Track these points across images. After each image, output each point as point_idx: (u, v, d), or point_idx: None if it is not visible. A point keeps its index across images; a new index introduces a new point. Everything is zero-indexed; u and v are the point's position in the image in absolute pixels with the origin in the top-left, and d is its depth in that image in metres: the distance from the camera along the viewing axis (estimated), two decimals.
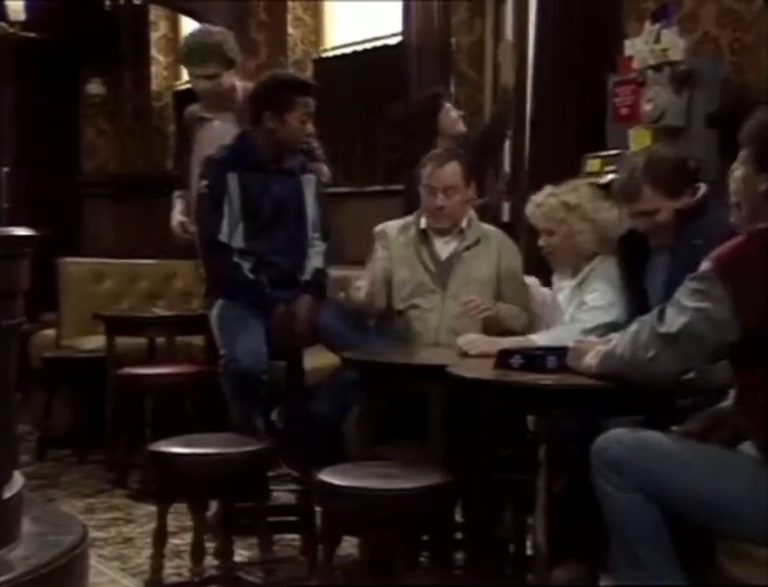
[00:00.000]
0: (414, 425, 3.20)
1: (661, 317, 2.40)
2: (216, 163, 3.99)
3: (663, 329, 2.37)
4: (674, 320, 2.36)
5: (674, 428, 2.63)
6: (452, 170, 3.63)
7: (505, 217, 5.03)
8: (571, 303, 3.43)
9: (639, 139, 4.11)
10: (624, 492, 2.39)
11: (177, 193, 4.79)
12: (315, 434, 3.70)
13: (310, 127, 3.98)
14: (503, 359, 2.92)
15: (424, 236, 3.71)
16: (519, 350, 2.93)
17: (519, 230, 4.40)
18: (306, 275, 3.97)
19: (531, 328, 3.54)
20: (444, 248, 3.70)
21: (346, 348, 3.55)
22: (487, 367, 2.93)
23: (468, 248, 3.67)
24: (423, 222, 3.72)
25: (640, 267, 3.22)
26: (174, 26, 8.03)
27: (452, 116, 4.73)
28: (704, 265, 2.33)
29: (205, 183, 3.98)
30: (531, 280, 3.74)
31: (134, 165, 8.35)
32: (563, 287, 3.51)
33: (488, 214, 4.36)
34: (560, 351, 2.84)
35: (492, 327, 3.46)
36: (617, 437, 2.46)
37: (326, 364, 4.08)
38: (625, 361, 2.47)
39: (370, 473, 2.86)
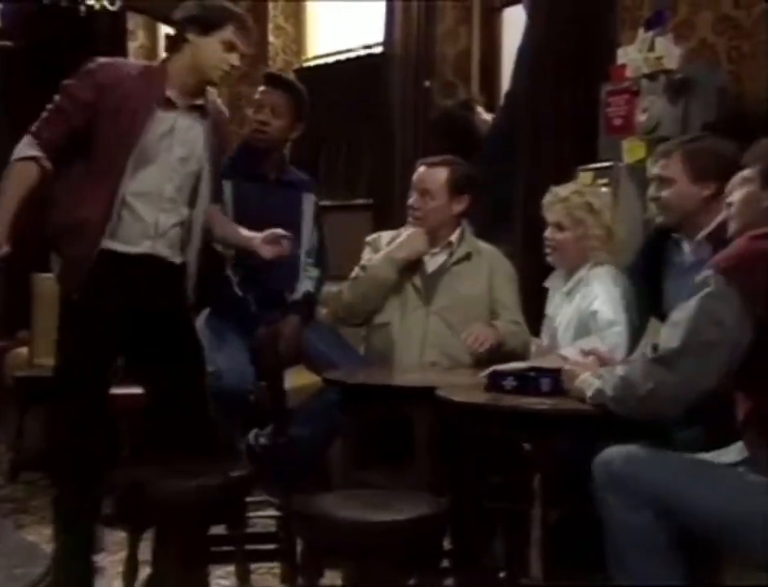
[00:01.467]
0: (401, 447, 3.07)
1: (655, 348, 2.28)
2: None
3: (659, 353, 2.24)
4: (672, 336, 2.22)
5: None
6: (438, 176, 3.51)
7: None
8: (560, 310, 3.31)
9: (633, 151, 3.99)
10: (632, 510, 2.26)
11: None
12: (296, 459, 3.52)
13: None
14: (495, 380, 2.80)
15: None
16: (512, 372, 2.79)
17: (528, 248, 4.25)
18: (297, 295, 3.81)
19: (527, 348, 3.37)
20: (432, 261, 3.56)
21: (328, 368, 3.42)
22: (478, 389, 2.81)
23: (457, 262, 3.53)
24: None
25: (657, 266, 3.11)
26: (153, 35, 7.90)
27: (485, 119, 4.61)
28: (704, 272, 2.23)
29: None
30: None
31: None
32: (554, 294, 3.40)
33: None
34: (555, 373, 2.72)
35: (491, 351, 3.30)
36: (623, 451, 2.34)
37: (307, 384, 3.93)
38: (619, 402, 2.34)
39: (352, 502, 2.70)
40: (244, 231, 3.38)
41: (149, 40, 7.96)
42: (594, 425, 2.57)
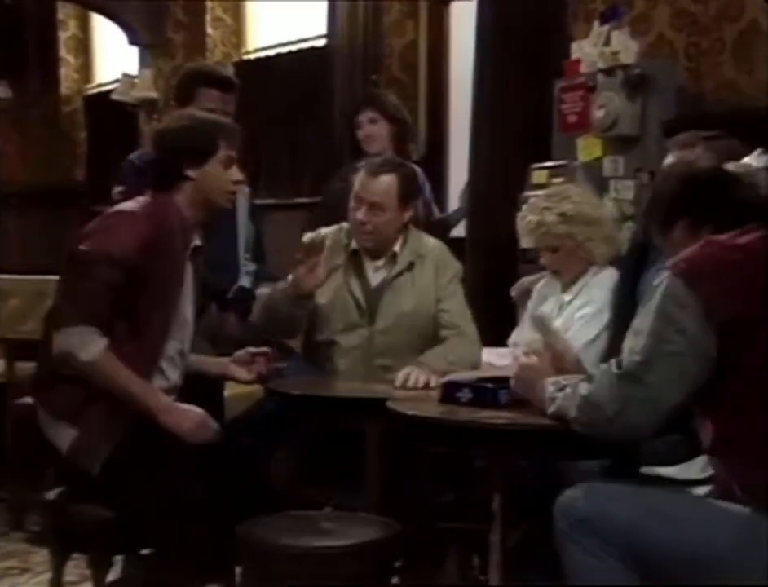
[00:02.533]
0: (351, 462, 2.88)
1: (619, 363, 2.11)
2: (134, 167, 3.60)
3: (623, 368, 2.09)
4: (635, 348, 2.07)
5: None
6: (387, 186, 3.20)
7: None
8: (559, 318, 3.12)
9: (589, 149, 3.90)
10: (596, 556, 2.09)
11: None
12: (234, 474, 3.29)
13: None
14: (449, 392, 2.61)
15: (354, 258, 3.30)
16: (467, 383, 2.61)
17: (472, 246, 4.17)
18: (231, 293, 3.61)
19: (478, 361, 3.19)
20: (375, 274, 3.29)
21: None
22: (432, 401, 2.63)
23: (400, 274, 3.26)
24: (354, 243, 3.31)
25: (636, 278, 2.94)
26: (85, 25, 7.75)
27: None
28: (660, 277, 2.10)
29: (119, 189, 3.56)
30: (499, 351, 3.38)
31: (42, 174, 7.96)
32: (547, 297, 3.22)
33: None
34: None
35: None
36: (585, 492, 2.16)
37: (247, 391, 3.64)
38: (585, 425, 2.17)
39: (297, 526, 2.52)
40: (218, 359, 3.08)
41: (81, 30, 7.77)
42: (557, 441, 2.38)
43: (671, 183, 2.28)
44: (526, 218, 3.16)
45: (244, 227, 3.70)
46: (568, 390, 2.22)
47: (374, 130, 4.07)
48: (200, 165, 2.74)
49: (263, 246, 3.86)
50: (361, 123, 4.10)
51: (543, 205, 3.12)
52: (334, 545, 2.40)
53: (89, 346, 2.58)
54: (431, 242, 3.37)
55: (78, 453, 2.60)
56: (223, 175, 2.78)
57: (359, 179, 3.23)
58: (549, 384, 2.31)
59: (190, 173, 2.73)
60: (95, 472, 2.57)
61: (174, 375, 2.78)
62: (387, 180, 3.19)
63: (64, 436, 2.61)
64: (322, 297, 3.23)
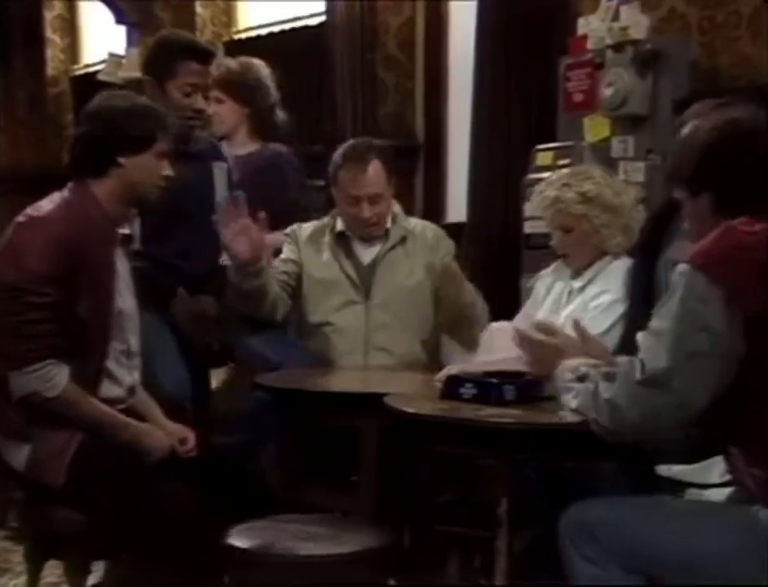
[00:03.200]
0: (347, 461, 2.76)
1: (642, 367, 1.97)
2: None
3: (646, 373, 1.95)
4: (658, 351, 1.94)
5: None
6: (377, 173, 3.13)
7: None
8: (569, 304, 2.95)
9: (596, 129, 3.77)
10: (599, 564, 1.99)
11: None
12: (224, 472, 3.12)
13: (199, 101, 3.29)
14: (451, 387, 2.46)
15: (342, 239, 3.22)
16: (471, 378, 2.46)
17: (472, 230, 4.07)
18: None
19: (485, 318, 3.08)
20: (366, 251, 3.21)
21: (264, 368, 3.05)
22: (433, 397, 2.48)
23: (393, 248, 3.20)
24: (340, 224, 3.22)
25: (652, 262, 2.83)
26: (71, 5, 7.66)
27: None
28: (679, 269, 1.96)
29: None
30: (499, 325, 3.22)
31: (28, 157, 7.86)
32: (554, 284, 3.04)
33: None
34: (519, 380, 2.42)
35: (455, 303, 3.03)
36: (589, 503, 2.08)
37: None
38: (610, 432, 2.03)
39: (289, 533, 2.38)
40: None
41: (67, 10, 7.67)
42: (567, 441, 2.26)
43: (706, 136, 2.04)
44: (543, 192, 2.99)
45: (223, 199, 3.48)
46: (589, 385, 2.08)
47: (219, 110, 3.80)
48: (135, 153, 2.55)
49: None
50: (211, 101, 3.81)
51: (564, 181, 2.95)
52: (326, 554, 2.27)
53: (52, 382, 2.45)
54: (419, 222, 3.35)
55: (37, 470, 2.47)
56: (156, 168, 2.59)
57: (347, 179, 3.14)
58: (567, 370, 2.17)
59: (122, 160, 2.54)
60: (59, 483, 2.44)
61: (125, 377, 2.63)
62: (375, 167, 3.13)
63: (19, 454, 2.48)
64: (313, 280, 3.17)
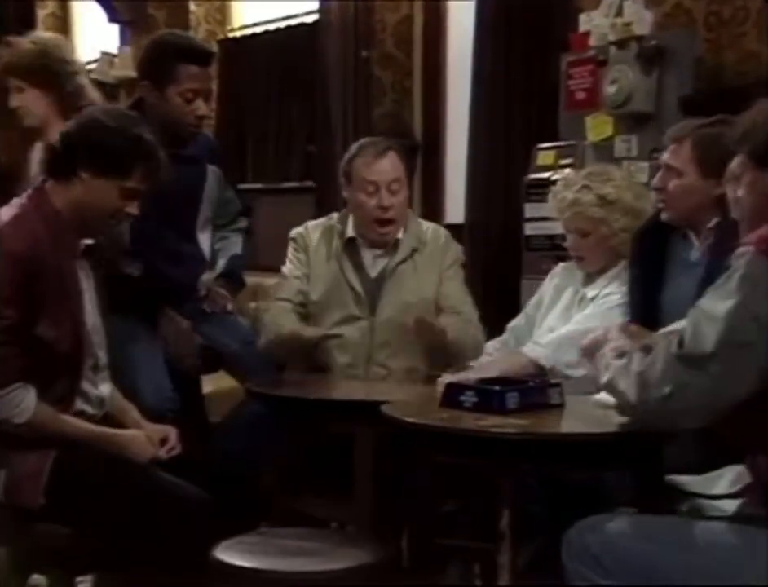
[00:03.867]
0: (344, 471, 2.66)
1: (681, 342, 1.88)
2: None
3: (686, 349, 1.87)
4: (707, 334, 1.85)
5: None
6: (395, 160, 3.01)
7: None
8: (578, 311, 2.85)
9: (599, 127, 3.68)
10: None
11: None
12: (219, 482, 3.03)
13: (202, 107, 3.14)
14: (451, 395, 2.37)
15: (351, 247, 3.07)
16: (471, 386, 2.37)
17: (471, 231, 3.97)
18: (220, 268, 3.33)
19: (480, 346, 2.95)
20: (375, 262, 3.06)
21: (253, 375, 2.99)
22: (432, 405, 2.38)
23: (403, 261, 3.05)
24: (351, 229, 3.07)
25: (657, 268, 2.70)
26: (64, 2, 7.53)
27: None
28: (740, 251, 1.88)
29: None
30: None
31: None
32: (566, 288, 2.94)
33: None
34: (522, 387, 2.35)
35: (437, 345, 2.87)
36: (600, 522, 1.99)
37: (228, 387, 3.49)
38: (632, 407, 1.95)
39: (280, 548, 2.29)
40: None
41: (60, 8, 7.55)
42: (572, 452, 2.18)
43: None
44: (560, 194, 2.87)
45: (209, 201, 3.38)
46: (625, 359, 2.00)
47: (22, 102, 3.43)
48: (96, 174, 2.37)
49: (246, 199, 3.55)
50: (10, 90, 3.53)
51: (582, 183, 2.84)
52: (318, 570, 2.17)
53: (19, 407, 2.33)
54: (430, 226, 3.18)
55: (15, 494, 2.37)
56: (114, 201, 2.39)
57: (364, 165, 3.00)
58: (612, 350, 2.09)
59: (83, 174, 2.37)
60: (38, 504, 2.34)
61: (93, 391, 2.51)
62: (392, 156, 3.03)
63: None
64: (316, 291, 3.05)
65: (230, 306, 3.25)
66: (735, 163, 2.03)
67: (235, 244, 3.38)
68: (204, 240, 3.31)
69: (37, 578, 2.80)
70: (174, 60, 3.11)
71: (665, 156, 2.64)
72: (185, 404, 3.19)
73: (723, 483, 2.21)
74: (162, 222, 3.15)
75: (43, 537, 2.41)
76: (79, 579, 2.74)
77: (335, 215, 3.16)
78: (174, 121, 3.09)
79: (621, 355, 2.03)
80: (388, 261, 3.04)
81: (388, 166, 2.99)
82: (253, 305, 3.69)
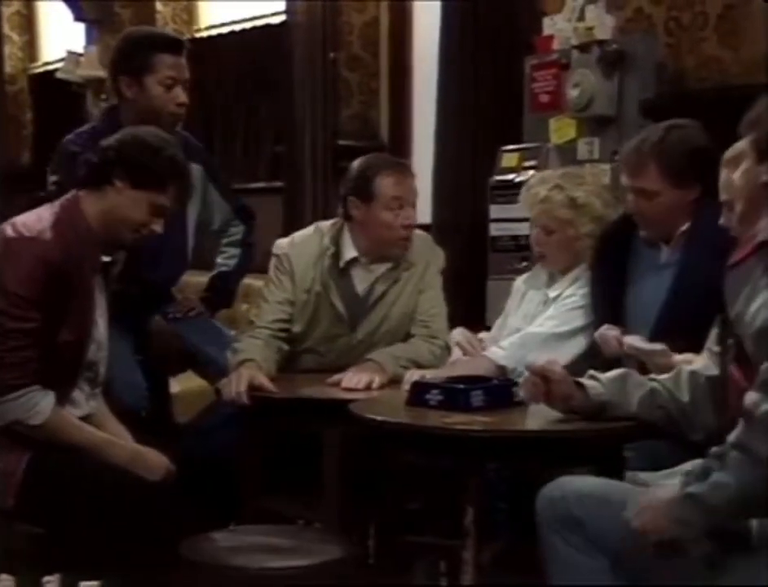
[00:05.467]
0: (312, 470, 2.70)
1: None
2: (69, 152, 3.18)
3: None
4: None
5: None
6: (415, 182, 3.04)
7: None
8: (543, 313, 2.86)
9: (562, 130, 3.70)
10: (585, 553, 1.96)
11: None
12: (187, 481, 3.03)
13: (181, 95, 3.16)
14: (418, 394, 2.41)
15: (344, 268, 3.03)
16: (437, 384, 2.40)
17: (438, 232, 3.95)
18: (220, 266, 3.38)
19: (444, 357, 2.95)
20: (366, 281, 3.03)
21: (219, 375, 2.96)
22: (398, 404, 2.43)
23: (392, 284, 3.03)
24: (351, 250, 3.01)
25: (620, 269, 2.71)
26: (29, 2, 7.46)
27: None
28: None
29: (54, 178, 3.20)
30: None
31: None
32: (527, 292, 2.96)
33: None
34: (487, 386, 2.40)
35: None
36: (575, 485, 2.01)
37: (195, 387, 3.50)
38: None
39: (248, 544, 2.31)
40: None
41: (25, 7, 7.48)
42: (537, 448, 2.23)
43: None
44: (533, 189, 2.89)
45: (195, 207, 3.39)
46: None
47: None
48: (133, 185, 2.44)
49: (241, 201, 3.54)
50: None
51: (555, 181, 2.85)
52: (285, 566, 2.19)
53: (35, 409, 2.36)
54: (419, 238, 3.10)
55: None
56: (143, 213, 2.46)
57: (389, 180, 2.95)
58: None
59: (117, 183, 2.44)
60: (9, 504, 2.36)
61: (84, 404, 2.52)
62: (413, 179, 3.04)
63: None
64: (300, 319, 3.00)
65: (193, 313, 3.27)
66: (739, 145, 2.01)
67: (229, 259, 3.42)
68: (190, 240, 3.34)
69: (5, 578, 2.80)
70: (148, 50, 3.15)
71: (629, 181, 2.62)
72: (153, 403, 3.21)
73: (677, 477, 2.28)
74: None
75: (16, 537, 2.42)
76: (46, 579, 2.76)
77: (323, 228, 3.08)
78: (156, 110, 3.11)
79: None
80: (381, 283, 3.01)
81: (412, 186, 2.99)
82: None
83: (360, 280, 3.01)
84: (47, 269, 2.34)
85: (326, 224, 3.10)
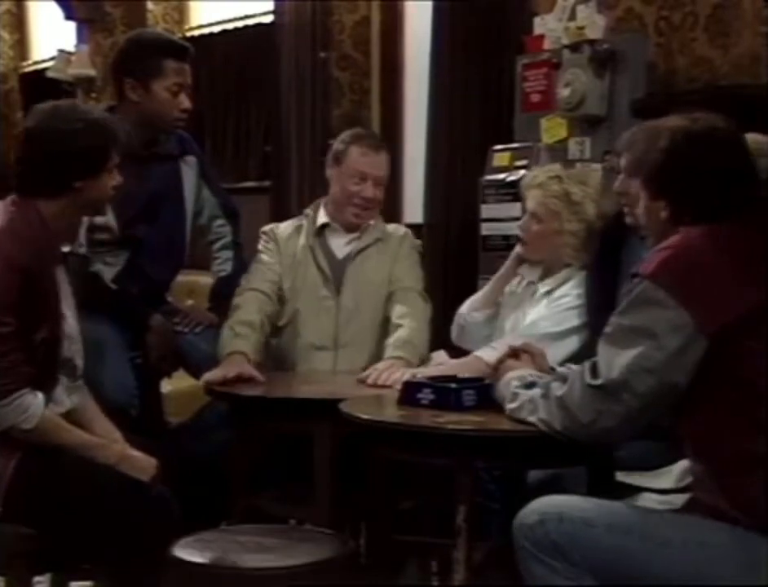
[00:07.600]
0: (304, 469, 2.70)
1: (594, 370, 1.96)
2: None
3: (600, 382, 1.94)
4: (615, 362, 1.92)
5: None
6: (386, 160, 3.14)
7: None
8: (534, 306, 2.86)
9: (553, 130, 3.74)
10: (571, 579, 1.91)
11: None
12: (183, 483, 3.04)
13: (185, 101, 3.20)
14: (409, 393, 2.41)
15: (321, 233, 3.17)
16: (428, 384, 2.41)
17: (429, 230, 4.01)
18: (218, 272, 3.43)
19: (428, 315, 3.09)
20: (341, 247, 3.16)
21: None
22: (390, 402, 2.44)
23: (366, 248, 3.15)
24: (323, 217, 3.17)
25: (615, 268, 2.71)
26: (20, 1, 7.47)
27: None
28: (636, 283, 1.93)
29: None
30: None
31: None
32: (519, 284, 2.97)
33: None
34: (479, 385, 2.37)
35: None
36: (551, 511, 1.96)
37: (187, 387, 3.52)
38: (557, 430, 2.03)
39: (239, 544, 2.28)
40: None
41: (16, 5, 7.49)
42: (528, 448, 2.20)
43: (662, 145, 2.00)
44: (534, 173, 2.93)
45: (189, 202, 3.41)
46: (538, 390, 2.06)
47: None
48: (91, 176, 2.43)
49: (231, 202, 3.57)
50: None
51: (557, 173, 2.87)
52: (277, 566, 2.16)
53: (27, 413, 2.34)
54: (393, 226, 3.29)
55: None
56: (110, 182, 2.48)
57: (359, 154, 3.09)
58: (514, 378, 2.17)
59: (78, 184, 2.41)
60: None
61: (66, 400, 2.51)
62: (385, 155, 3.15)
63: None
64: (288, 278, 3.12)
65: (199, 329, 3.29)
66: (631, 183, 2.10)
67: (225, 263, 3.45)
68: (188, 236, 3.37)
69: None
70: (156, 55, 3.16)
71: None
72: (143, 403, 3.22)
73: (671, 477, 2.30)
74: (145, 223, 3.19)
75: (6, 538, 2.40)
76: (37, 579, 2.76)
77: (305, 214, 3.23)
78: (160, 116, 3.15)
79: (528, 385, 2.11)
80: (354, 245, 3.13)
81: (382, 162, 3.11)
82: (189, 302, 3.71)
83: (336, 246, 3.14)
84: (11, 268, 2.31)
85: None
